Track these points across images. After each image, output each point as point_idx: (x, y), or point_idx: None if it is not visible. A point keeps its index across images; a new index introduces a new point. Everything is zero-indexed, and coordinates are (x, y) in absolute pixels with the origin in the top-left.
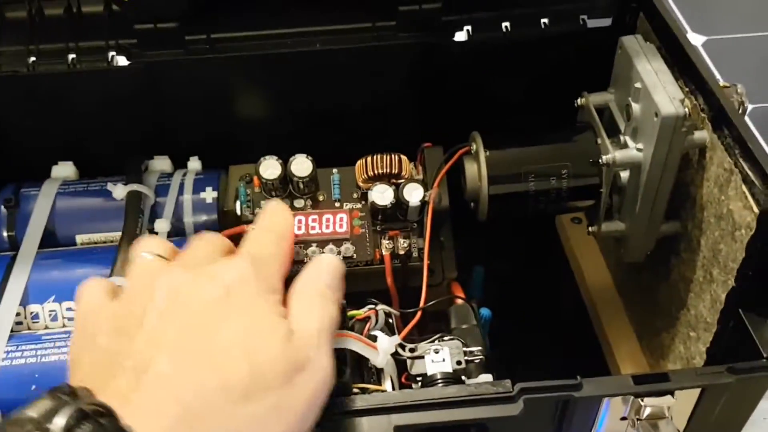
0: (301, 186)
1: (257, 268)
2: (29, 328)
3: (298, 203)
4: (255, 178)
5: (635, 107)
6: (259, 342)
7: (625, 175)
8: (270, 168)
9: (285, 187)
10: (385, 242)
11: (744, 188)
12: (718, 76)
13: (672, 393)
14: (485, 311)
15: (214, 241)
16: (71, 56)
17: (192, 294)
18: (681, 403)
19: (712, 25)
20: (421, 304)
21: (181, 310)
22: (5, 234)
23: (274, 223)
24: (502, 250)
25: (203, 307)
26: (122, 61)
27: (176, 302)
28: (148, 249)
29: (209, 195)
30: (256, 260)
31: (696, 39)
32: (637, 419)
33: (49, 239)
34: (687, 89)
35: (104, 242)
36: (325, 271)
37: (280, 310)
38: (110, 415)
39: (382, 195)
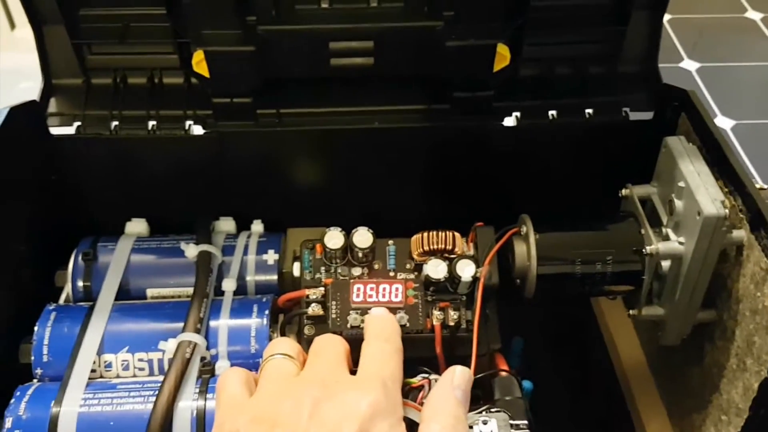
0: (360, 255)
1: (386, 396)
2: (101, 377)
3: (356, 271)
4: (318, 246)
5: (678, 204)
6: None
7: (666, 264)
8: (334, 239)
9: (345, 256)
10: (436, 313)
11: None
12: (756, 175)
13: None
14: (527, 384)
15: (337, 347)
16: (151, 123)
17: (329, 424)
18: None
19: (740, 110)
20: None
21: None
22: (81, 284)
23: (388, 334)
24: (540, 323)
25: None
26: (198, 130)
27: (316, 427)
28: (280, 348)
29: (271, 257)
30: (384, 387)
31: (725, 122)
32: None
33: (122, 292)
34: (726, 189)
35: (173, 297)
36: (457, 388)
37: None
38: None
39: (436, 269)
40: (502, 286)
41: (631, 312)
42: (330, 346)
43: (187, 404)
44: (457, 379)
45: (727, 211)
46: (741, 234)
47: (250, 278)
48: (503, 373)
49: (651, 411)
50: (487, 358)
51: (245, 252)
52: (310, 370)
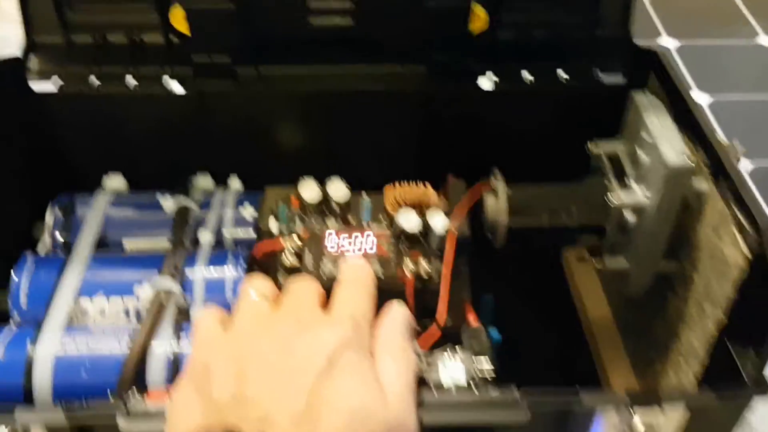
0: (336, 209)
1: (356, 332)
2: (79, 322)
3: (331, 224)
4: (293, 198)
5: (643, 156)
6: (362, 409)
7: (629, 216)
8: (308, 189)
9: (320, 209)
10: (408, 264)
11: (737, 234)
12: (720, 132)
13: (662, 410)
14: (495, 334)
15: (310, 288)
16: (132, 81)
17: (304, 359)
18: (669, 423)
19: (717, 86)
20: (440, 323)
21: (296, 375)
22: (60, 237)
23: (363, 279)
24: (512, 283)
25: (314, 375)
26: (178, 88)
27: (291, 361)
28: (255, 288)
29: (248, 212)
30: (355, 324)
31: (702, 98)
32: (628, 426)
33: (99, 244)
34: (691, 144)
35: (150, 249)
36: (401, 323)
37: (376, 374)
38: None
39: (408, 220)
40: (476, 242)
41: (596, 264)
42: (304, 287)
43: (162, 347)
44: (398, 318)
45: (692, 162)
46: (703, 184)
47: (228, 234)
48: (472, 324)
49: (616, 362)
50: (459, 311)
51: (222, 207)
52: (283, 309)
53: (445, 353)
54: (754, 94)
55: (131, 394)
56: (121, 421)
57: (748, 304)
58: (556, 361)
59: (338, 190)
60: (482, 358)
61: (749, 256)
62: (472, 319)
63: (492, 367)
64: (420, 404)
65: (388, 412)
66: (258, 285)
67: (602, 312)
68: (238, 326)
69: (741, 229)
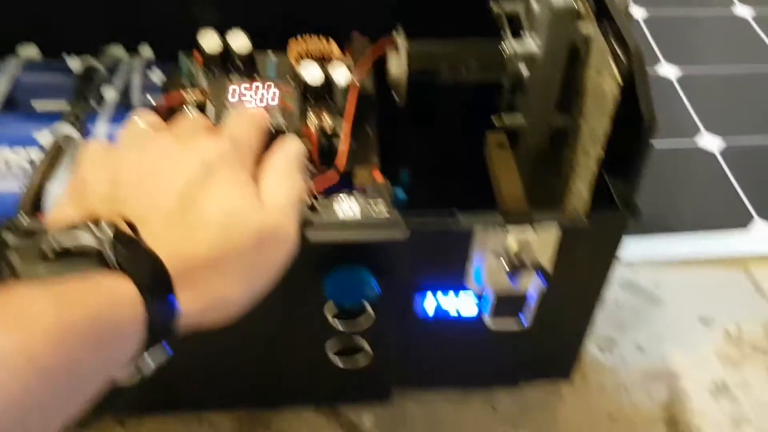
0: (240, 64)
1: (235, 147)
2: None
3: (236, 80)
4: (196, 53)
5: (534, 7)
6: (235, 214)
7: (524, 69)
8: (208, 39)
9: (224, 65)
10: (312, 119)
11: (612, 64)
12: (700, 125)
13: (534, 229)
14: (401, 193)
15: (198, 118)
16: None
17: (179, 163)
18: (545, 243)
19: (688, 59)
20: (339, 167)
21: (170, 177)
22: None
23: (252, 113)
24: (427, 155)
25: (187, 178)
26: None
27: (165, 167)
28: (142, 117)
29: (158, 77)
30: (234, 140)
31: (671, 71)
32: (505, 251)
33: (10, 105)
34: None
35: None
36: (290, 151)
37: (253, 187)
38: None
39: (311, 73)
40: (386, 108)
41: (494, 121)
42: (191, 118)
43: (59, 188)
44: (289, 146)
45: (575, 4)
46: (588, 28)
47: (136, 98)
48: (377, 180)
49: None
50: (366, 173)
51: (131, 72)
52: (166, 129)
53: (342, 195)
54: (727, 67)
55: (20, 215)
56: (9, 237)
57: (619, 135)
58: None
59: (239, 39)
60: (379, 200)
61: (620, 82)
62: (378, 176)
63: (388, 209)
64: (305, 221)
65: (263, 217)
66: (146, 116)
67: (515, 192)
68: (119, 145)
69: (616, 60)
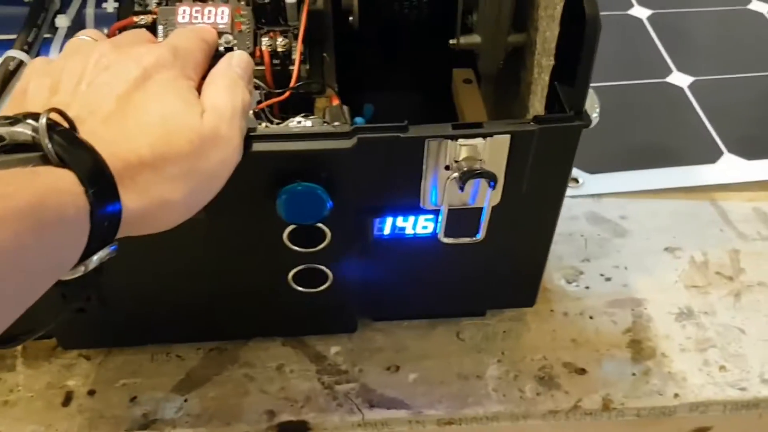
0: None
1: (176, 56)
2: None
3: (187, 2)
4: None
5: None
6: (175, 116)
7: None
8: None
9: None
10: (265, 40)
11: None
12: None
13: (483, 137)
14: (359, 120)
15: (141, 32)
16: None
17: (118, 68)
18: (496, 152)
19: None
20: (292, 84)
21: (109, 81)
22: None
23: (198, 28)
24: (401, 106)
25: (126, 82)
26: None
27: (104, 73)
28: (85, 34)
29: (110, 5)
30: (175, 49)
31: (642, 12)
32: (455, 162)
33: None
34: None
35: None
36: (235, 63)
37: (194, 93)
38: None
39: None
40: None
41: (451, 42)
42: (136, 31)
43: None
44: (235, 58)
45: None
46: None
47: (90, 27)
48: (334, 103)
49: None
50: (325, 100)
51: (84, 5)
52: (107, 40)
53: (299, 116)
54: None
55: None
56: None
57: (567, 41)
58: None
59: None
60: (335, 121)
61: None
62: (336, 101)
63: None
64: (251, 132)
65: (203, 123)
66: (89, 31)
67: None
68: (61, 56)
69: None
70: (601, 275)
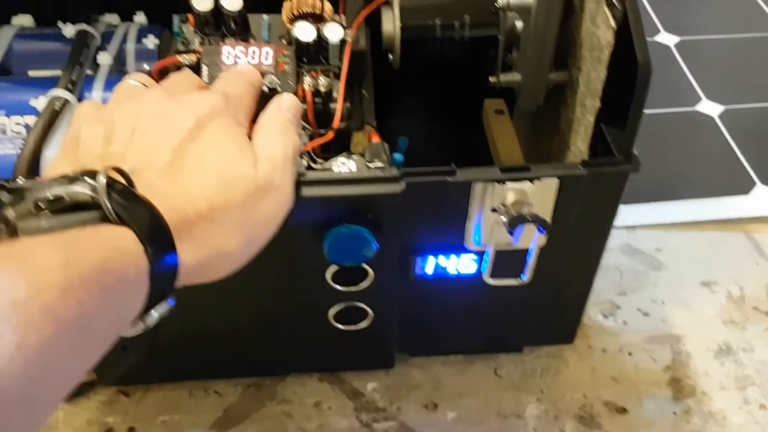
0: (233, 25)
1: (228, 103)
2: None
3: (230, 42)
4: (190, 16)
5: None
6: (230, 167)
7: (519, 24)
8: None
9: (217, 24)
10: (307, 80)
11: (607, 11)
12: (699, 90)
13: (531, 180)
14: (399, 156)
15: (190, 76)
16: None
17: (172, 117)
18: (543, 195)
19: (685, 26)
20: (335, 125)
21: (163, 131)
22: None
23: (244, 70)
24: (433, 135)
25: (181, 132)
26: None
27: (158, 121)
28: (134, 77)
29: (151, 42)
30: (227, 96)
31: (669, 39)
32: (503, 206)
33: (4, 73)
34: None
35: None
36: (285, 107)
37: (247, 140)
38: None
39: (304, 31)
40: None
41: (491, 80)
42: (183, 74)
43: (55, 151)
44: (284, 103)
45: None
46: None
47: (131, 62)
48: (375, 140)
49: None
50: (363, 136)
51: (125, 40)
52: (158, 86)
53: (341, 157)
54: (725, 35)
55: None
56: (4, 195)
57: (615, 84)
58: None
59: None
60: (377, 161)
61: (614, 26)
62: (375, 138)
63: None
64: (301, 177)
65: (257, 171)
66: (137, 75)
67: (514, 155)
68: (112, 102)
69: (610, 5)
70: (639, 310)
